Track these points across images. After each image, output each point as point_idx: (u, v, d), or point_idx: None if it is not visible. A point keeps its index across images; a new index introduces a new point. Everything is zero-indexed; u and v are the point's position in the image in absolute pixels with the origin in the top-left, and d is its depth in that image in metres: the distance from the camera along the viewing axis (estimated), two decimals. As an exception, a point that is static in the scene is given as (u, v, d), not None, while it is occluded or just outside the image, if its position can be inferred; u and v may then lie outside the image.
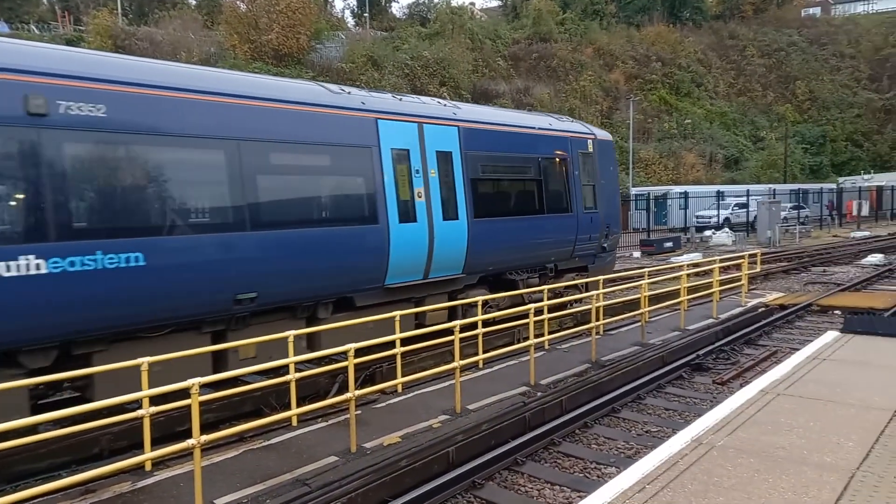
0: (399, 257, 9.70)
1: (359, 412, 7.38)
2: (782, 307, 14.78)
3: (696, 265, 17.19)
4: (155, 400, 5.19)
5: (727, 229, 35.69)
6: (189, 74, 7.85)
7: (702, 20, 72.62)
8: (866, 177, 56.05)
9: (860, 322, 10.24)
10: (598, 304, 10.46)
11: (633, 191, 43.37)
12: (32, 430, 4.71)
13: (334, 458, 6.27)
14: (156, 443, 5.88)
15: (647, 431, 7.95)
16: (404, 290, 10.10)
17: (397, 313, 8.29)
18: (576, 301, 13.25)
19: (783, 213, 36.85)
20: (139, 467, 5.83)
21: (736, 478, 4.96)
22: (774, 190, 42.86)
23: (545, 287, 11.14)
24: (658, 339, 11.51)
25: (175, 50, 39.91)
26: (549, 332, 9.88)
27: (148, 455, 5.10)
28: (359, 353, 6.82)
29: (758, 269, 18.32)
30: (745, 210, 39.81)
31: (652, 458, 5.44)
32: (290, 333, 7.03)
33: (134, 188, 7.00)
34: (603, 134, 15.05)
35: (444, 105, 11.42)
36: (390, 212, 9.59)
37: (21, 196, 6.18)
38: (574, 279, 13.26)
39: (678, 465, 5.24)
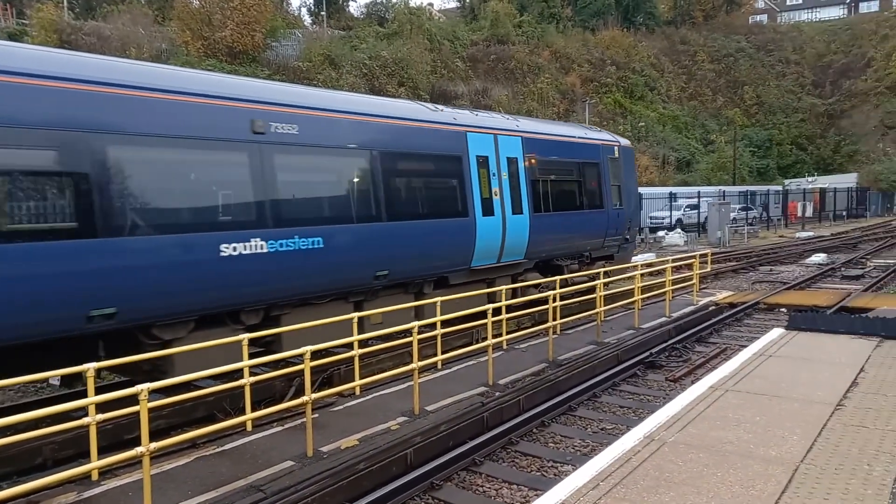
0: (482, 244, 11.84)
1: (316, 416, 7.30)
2: (731, 305, 15.23)
3: (649, 265, 17.56)
4: (102, 407, 5.03)
5: (679, 230, 36.56)
6: (346, 100, 10.27)
7: (654, 25, 74.24)
8: (810, 179, 58.30)
9: (803, 319, 10.62)
10: (554, 304, 10.59)
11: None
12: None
13: (290, 463, 6.18)
14: (104, 451, 5.70)
15: (602, 429, 8.08)
16: (483, 272, 12.22)
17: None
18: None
19: (732, 215, 37.94)
20: (85, 477, 5.63)
21: (686, 473, 5.08)
22: (724, 192, 44.09)
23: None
24: (613, 338, 11.73)
25: (124, 45, 38.72)
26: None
27: (94, 464, 4.94)
28: (315, 355, 6.74)
29: (708, 269, 18.86)
30: (696, 211, 40.85)
31: (606, 455, 5.54)
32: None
33: (317, 187, 9.30)
34: (625, 142, 17.46)
35: (508, 119, 13.88)
36: (476, 207, 11.72)
37: (248, 194, 8.26)
38: (604, 266, 15.11)
39: (631, 461, 5.35)
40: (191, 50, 40.79)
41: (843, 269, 22.11)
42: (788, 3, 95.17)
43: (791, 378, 7.65)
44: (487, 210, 11.95)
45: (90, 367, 5.44)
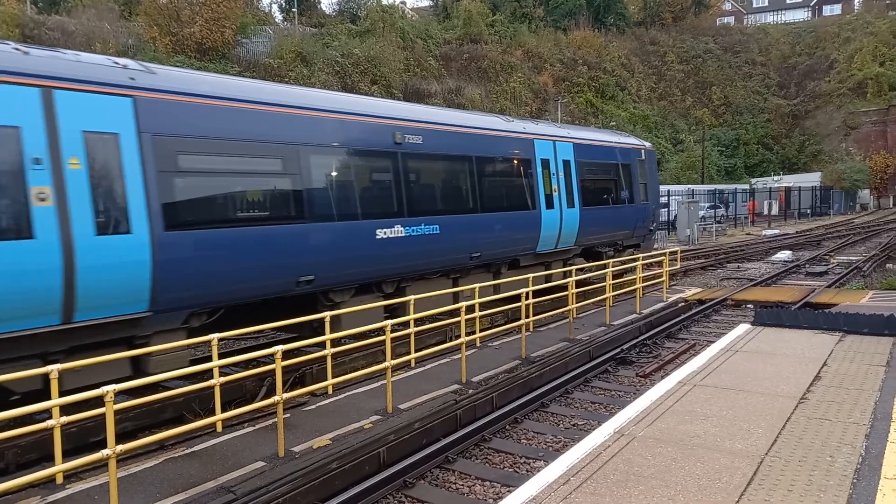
0: (545, 233, 14.23)
1: (288, 415, 7.24)
2: (700, 302, 15.50)
3: (621, 262, 17.76)
4: (67, 409, 4.93)
5: (650, 228, 37.01)
6: (452, 116, 13.04)
7: (625, 26, 75.12)
8: (776, 178, 59.56)
9: (769, 315, 10.85)
10: (527, 302, 10.66)
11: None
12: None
13: (262, 464, 6.12)
14: (70, 454, 5.58)
15: (574, 425, 8.16)
16: (544, 256, 14.65)
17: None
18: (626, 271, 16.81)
19: (701, 213, 38.56)
20: (49, 480, 5.51)
21: (655, 467, 5.16)
22: (693, 190, 44.80)
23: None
24: (585, 335, 11.85)
25: (90, 41, 37.84)
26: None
27: (59, 467, 4.83)
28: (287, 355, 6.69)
29: (678, 266, 19.16)
30: (665, 210, 41.43)
31: (577, 450, 5.60)
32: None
33: (434, 184, 11.78)
34: (649, 146, 20.10)
35: (560, 127, 16.89)
36: (541, 201, 14.11)
37: (392, 190, 10.69)
38: (633, 253, 17.67)
39: (601, 456, 5.41)
40: (158, 46, 40.04)
41: (807, 266, 22.64)
42: (755, 5, 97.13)
43: (757, 372, 7.82)
44: (549, 204, 14.37)
45: (54, 369, 5.33)
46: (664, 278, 16.25)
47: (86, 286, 6.76)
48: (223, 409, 6.48)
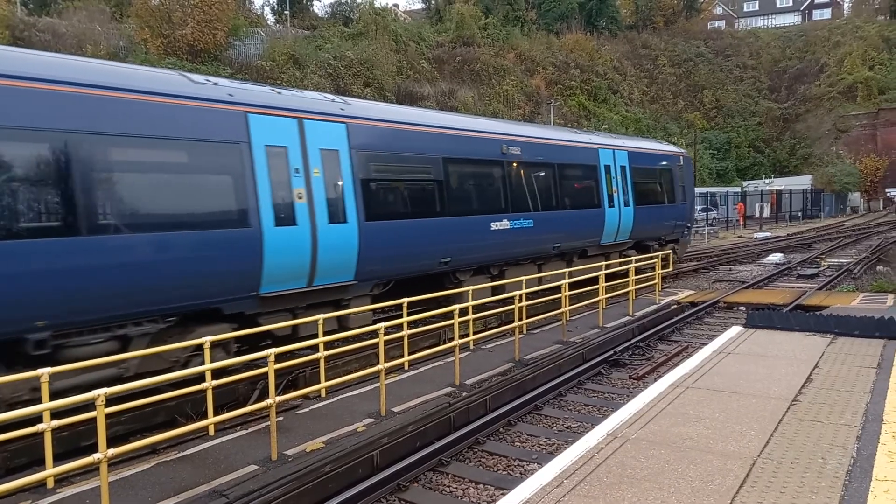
0: (607, 227, 16.94)
1: (281, 419, 7.22)
2: (692, 304, 15.56)
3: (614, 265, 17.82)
4: (58, 414, 4.89)
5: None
6: (538, 129, 16.27)
7: (617, 29, 75.37)
8: (767, 181, 59.88)
9: (761, 317, 10.90)
10: (520, 304, 10.66)
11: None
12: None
13: (255, 467, 6.10)
14: (61, 458, 5.54)
15: (567, 427, 8.17)
16: (606, 247, 17.33)
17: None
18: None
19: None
20: (40, 485, 5.46)
21: (648, 469, 5.17)
22: (685, 193, 44.86)
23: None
24: (578, 338, 11.86)
25: (80, 43, 37.64)
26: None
27: (50, 471, 4.80)
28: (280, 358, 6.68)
29: (670, 269, 19.22)
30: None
31: (570, 452, 5.60)
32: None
33: (529, 186, 14.20)
34: (686, 153, 23.52)
35: (615, 137, 20.13)
36: (603, 201, 16.79)
37: (500, 191, 13.36)
38: (674, 248, 20.64)
39: (595, 458, 5.42)
40: (150, 48, 39.87)
41: (798, 268, 22.78)
42: (745, 9, 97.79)
43: (749, 375, 7.85)
44: (610, 203, 16.99)
45: (44, 372, 5.29)
46: (657, 281, 16.31)
47: (322, 259, 9.43)
48: (215, 413, 6.45)
